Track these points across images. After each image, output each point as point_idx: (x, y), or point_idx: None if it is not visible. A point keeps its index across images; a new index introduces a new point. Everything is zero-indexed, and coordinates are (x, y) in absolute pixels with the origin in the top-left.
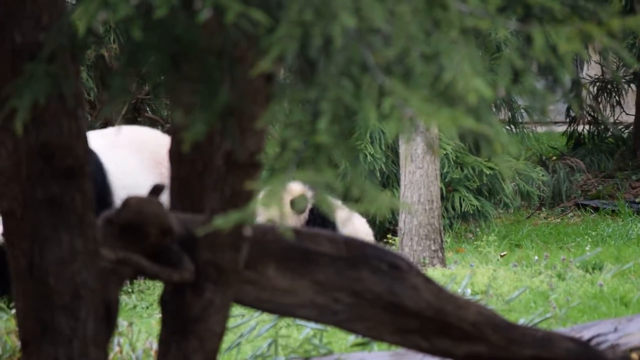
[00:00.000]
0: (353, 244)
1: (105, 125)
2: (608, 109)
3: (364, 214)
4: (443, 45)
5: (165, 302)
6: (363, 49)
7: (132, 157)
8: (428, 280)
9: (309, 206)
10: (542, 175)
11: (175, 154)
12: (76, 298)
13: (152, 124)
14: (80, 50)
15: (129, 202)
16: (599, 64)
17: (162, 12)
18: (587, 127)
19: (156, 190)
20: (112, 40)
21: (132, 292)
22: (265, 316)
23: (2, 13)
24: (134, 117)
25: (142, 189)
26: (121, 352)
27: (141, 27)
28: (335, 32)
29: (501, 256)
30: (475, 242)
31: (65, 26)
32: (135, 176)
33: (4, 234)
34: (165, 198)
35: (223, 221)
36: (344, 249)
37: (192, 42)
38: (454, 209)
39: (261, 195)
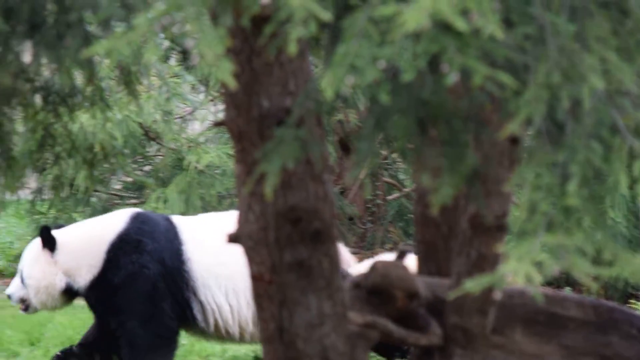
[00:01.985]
0: (601, 308)
1: (343, 190)
2: None
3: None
4: None
5: None
6: (612, 110)
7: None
8: None
9: None
10: None
11: (420, 218)
12: None
13: (389, 188)
14: (328, 114)
15: (376, 266)
16: None
17: (409, 76)
18: None
19: (402, 254)
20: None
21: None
22: None
23: (250, 79)
24: (371, 182)
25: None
26: None
27: (388, 91)
28: (583, 94)
29: None
30: None
31: (313, 91)
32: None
33: (252, 298)
34: None
35: (473, 285)
36: (592, 313)
37: (439, 105)
38: None
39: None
